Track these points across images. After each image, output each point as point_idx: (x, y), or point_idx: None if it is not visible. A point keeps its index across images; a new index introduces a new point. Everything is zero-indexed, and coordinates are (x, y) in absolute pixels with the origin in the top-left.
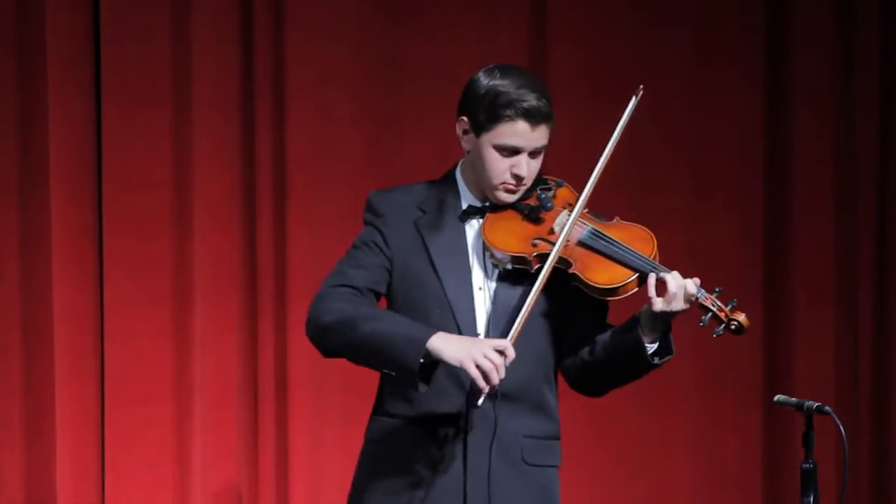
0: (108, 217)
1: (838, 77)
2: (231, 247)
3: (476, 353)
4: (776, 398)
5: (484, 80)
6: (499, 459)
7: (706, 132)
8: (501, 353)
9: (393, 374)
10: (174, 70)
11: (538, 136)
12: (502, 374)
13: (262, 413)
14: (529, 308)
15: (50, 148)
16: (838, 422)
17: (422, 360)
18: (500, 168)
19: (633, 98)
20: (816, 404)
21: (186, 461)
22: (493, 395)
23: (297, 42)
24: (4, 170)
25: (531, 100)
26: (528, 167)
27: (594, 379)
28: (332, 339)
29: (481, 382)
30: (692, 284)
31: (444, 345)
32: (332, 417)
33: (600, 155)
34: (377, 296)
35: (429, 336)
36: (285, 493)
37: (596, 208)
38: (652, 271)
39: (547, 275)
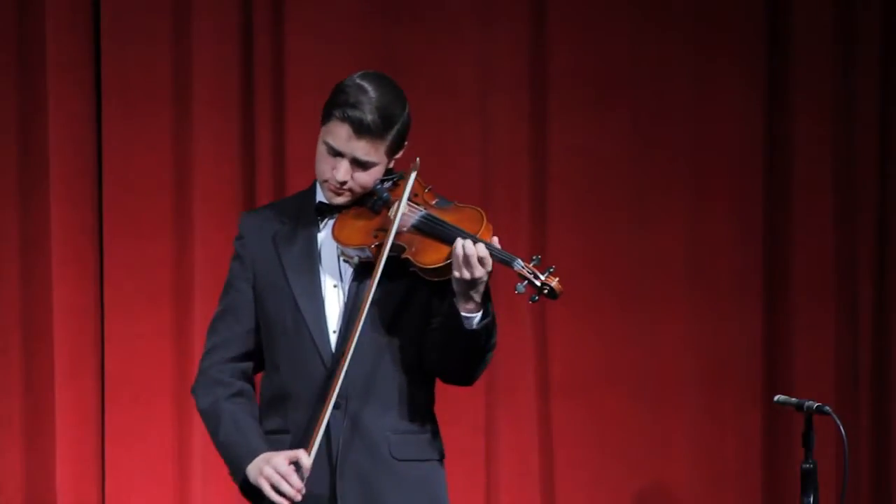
0: (108, 217)
1: (838, 77)
2: (231, 247)
3: (266, 469)
4: (776, 398)
5: (346, 80)
6: (365, 458)
7: (706, 132)
8: (295, 462)
9: None
10: (174, 70)
11: (360, 147)
12: (295, 483)
13: None
14: (366, 302)
15: (50, 148)
16: (838, 422)
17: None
18: (323, 165)
19: (413, 171)
20: (816, 404)
21: (186, 461)
22: (345, 395)
23: (297, 42)
24: (4, 170)
25: (362, 110)
26: (345, 173)
27: (441, 361)
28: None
29: (274, 497)
30: (475, 248)
31: (251, 470)
32: None
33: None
34: (255, 346)
35: (246, 464)
36: None
37: (588, 206)
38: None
39: (381, 264)
